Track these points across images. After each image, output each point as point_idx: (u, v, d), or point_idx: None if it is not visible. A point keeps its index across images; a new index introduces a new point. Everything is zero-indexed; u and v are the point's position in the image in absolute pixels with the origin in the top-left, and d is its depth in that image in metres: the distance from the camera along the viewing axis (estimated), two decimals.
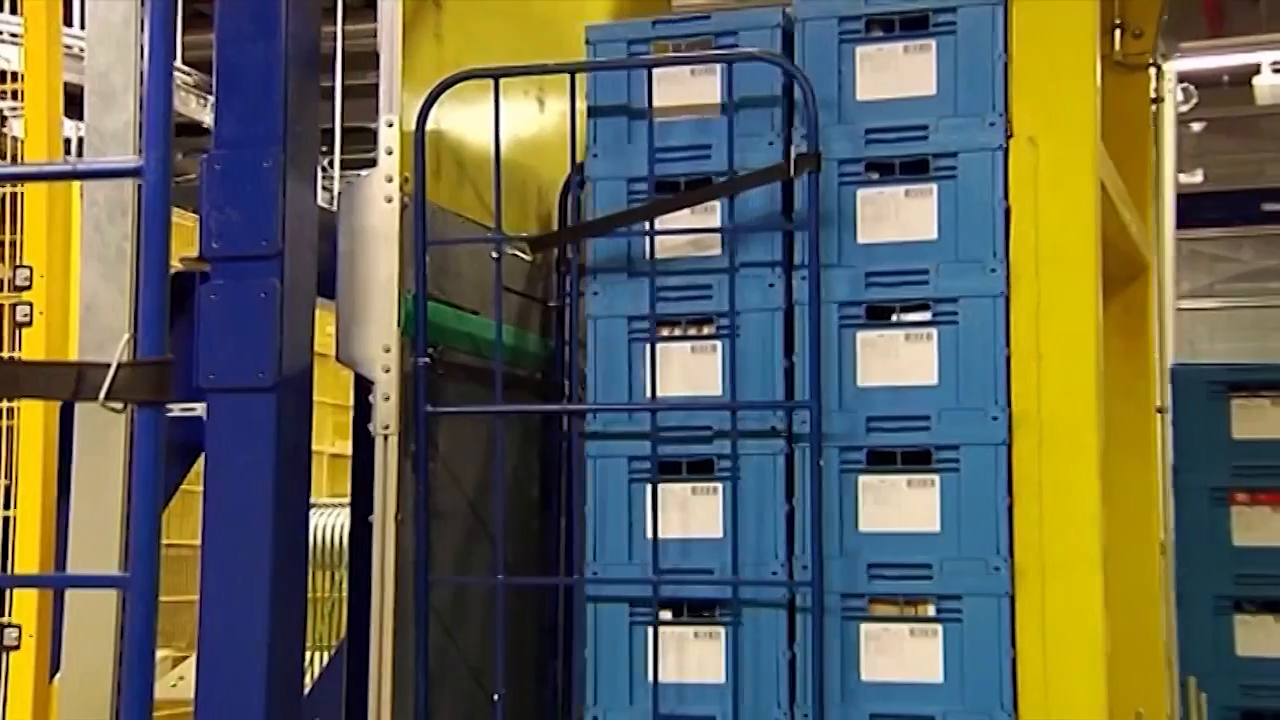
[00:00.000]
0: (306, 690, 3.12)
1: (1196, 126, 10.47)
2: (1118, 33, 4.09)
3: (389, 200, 3.01)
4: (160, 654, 2.20)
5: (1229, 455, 4.77)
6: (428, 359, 2.97)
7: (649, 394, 2.94)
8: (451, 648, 3.11)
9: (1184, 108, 8.13)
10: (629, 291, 3.01)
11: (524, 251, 3.31)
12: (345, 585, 3.21)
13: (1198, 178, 10.85)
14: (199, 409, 2.90)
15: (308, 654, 3.05)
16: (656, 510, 2.89)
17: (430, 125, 3.01)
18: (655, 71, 2.99)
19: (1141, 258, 4.05)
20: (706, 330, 2.97)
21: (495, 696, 2.96)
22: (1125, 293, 4.09)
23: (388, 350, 2.98)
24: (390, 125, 3.03)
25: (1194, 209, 9.92)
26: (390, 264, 2.99)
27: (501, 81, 3.05)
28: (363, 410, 3.01)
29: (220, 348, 2.81)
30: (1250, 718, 4.68)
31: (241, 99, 2.87)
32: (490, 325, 3.10)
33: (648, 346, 2.94)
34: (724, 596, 2.88)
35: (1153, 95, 4.28)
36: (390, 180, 3.01)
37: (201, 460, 2.94)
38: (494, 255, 3.08)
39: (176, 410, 2.87)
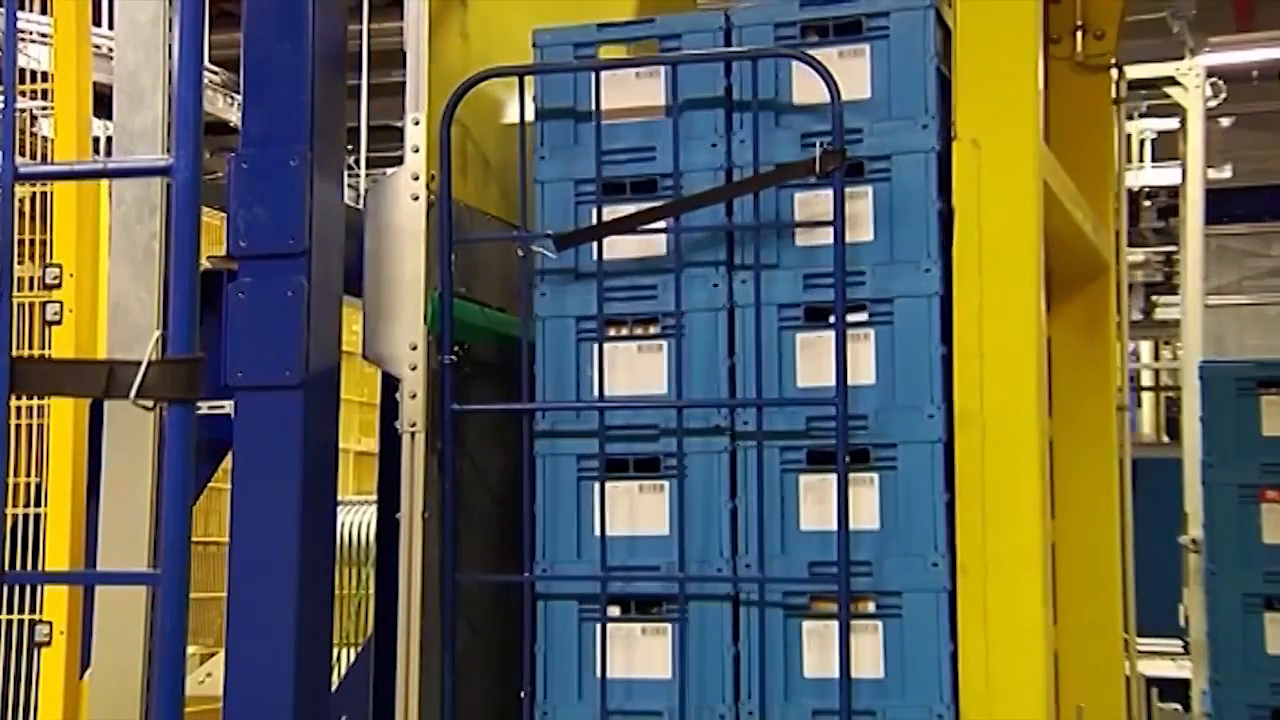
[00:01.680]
0: (334, 687, 3.13)
1: (1225, 121, 10.39)
2: (1079, 34, 4.07)
3: (415, 198, 3.01)
4: (188, 650, 2.21)
5: (1259, 452, 4.74)
6: (454, 357, 2.97)
7: (597, 393, 2.96)
8: (478, 644, 3.12)
9: (1212, 103, 8.07)
10: (576, 292, 3.03)
11: (549, 249, 3.31)
12: (372, 582, 3.22)
13: (1226, 173, 10.76)
14: (227, 407, 2.91)
15: (335, 651, 3.05)
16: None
17: (456, 123, 3.02)
18: (601, 75, 3.00)
19: (1100, 258, 4.04)
20: (652, 330, 2.99)
21: (522, 694, 2.97)
22: (1085, 292, 4.08)
23: (414, 348, 2.99)
24: (416, 123, 3.04)
25: (1223, 204, 9.85)
26: (416, 262, 3.00)
27: (527, 79, 3.05)
28: (389, 408, 3.02)
29: (248, 346, 2.82)
30: None
31: (268, 98, 2.88)
32: (517, 322, 3.11)
33: (597, 346, 2.96)
34: (670, 593, 2.90)
35: (1114, 95, 4.27)
36: (416, 178, 3.02)
37: (229, 457, 2.95)
38: (520, 253, 3.09)
39: (204, 408, 2.88)
